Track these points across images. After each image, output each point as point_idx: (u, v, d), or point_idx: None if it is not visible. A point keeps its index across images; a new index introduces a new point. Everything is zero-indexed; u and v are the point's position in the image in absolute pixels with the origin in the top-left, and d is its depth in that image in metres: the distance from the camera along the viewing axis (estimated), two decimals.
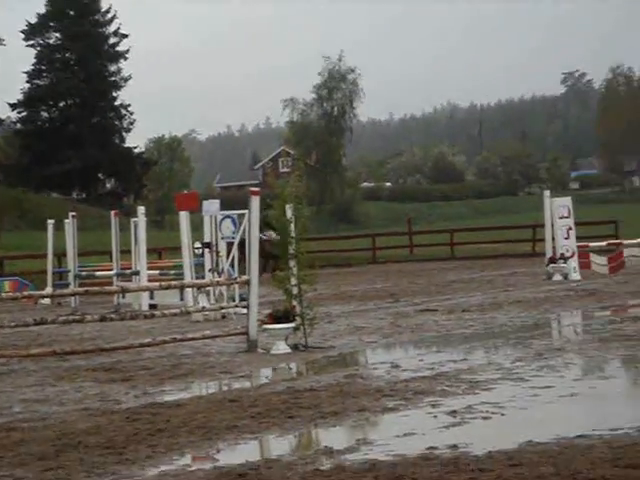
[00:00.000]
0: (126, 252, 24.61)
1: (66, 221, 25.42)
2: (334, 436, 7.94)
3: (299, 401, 9.46)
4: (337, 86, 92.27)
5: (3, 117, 75.58)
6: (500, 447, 6.97)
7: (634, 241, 28.58)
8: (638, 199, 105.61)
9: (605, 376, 10.37)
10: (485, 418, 8.29)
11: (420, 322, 16.51)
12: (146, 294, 21.34)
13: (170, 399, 10.08)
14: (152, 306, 21.09)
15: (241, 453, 7.44)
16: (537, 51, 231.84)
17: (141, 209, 22.63)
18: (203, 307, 17.06)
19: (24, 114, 75.65)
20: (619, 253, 27.10)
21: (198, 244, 20.68)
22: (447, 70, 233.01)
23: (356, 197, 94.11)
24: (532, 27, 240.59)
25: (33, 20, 76.35)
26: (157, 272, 24.14)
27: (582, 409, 8.76)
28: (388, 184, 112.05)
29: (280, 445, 7.77)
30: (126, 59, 77.31)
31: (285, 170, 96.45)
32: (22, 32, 76.07)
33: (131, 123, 78.07)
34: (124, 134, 77.98)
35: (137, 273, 22.59)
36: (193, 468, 7.07)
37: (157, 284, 17.41)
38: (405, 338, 14.56)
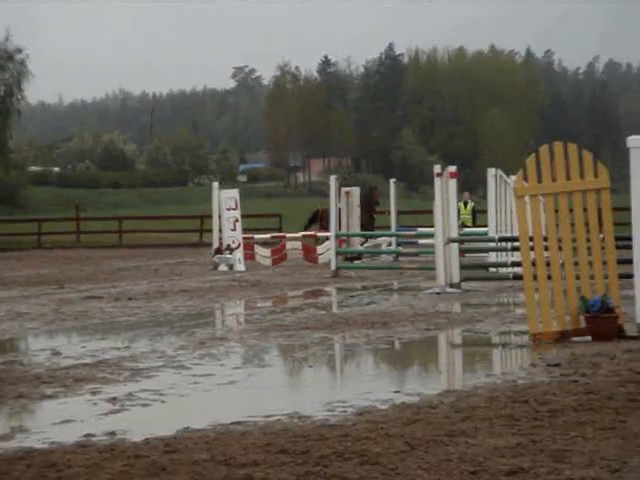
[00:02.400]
0: None
1: None
2: None
3: None
4: (4, 66, 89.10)
5: None
6: (158, 434, 7.04)
7: (296, 235, 29.60)
8: (301, 194, 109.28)
9: (263, 364, 10.68)
10: (145, 405, 8.34)
11: (85, 309, 16.33)
12: None
13: None
14: None
15: None
16: (209, 44, 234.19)
17: None
18: None
19: None
20: (282, 246, 27.97)
21: None
22: (120, 57, 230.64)
23: (22, 181, 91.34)
24: (201, 21, 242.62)
25: None
26: None
27: (240, 396, 8.99)
28: (57, 169, 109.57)
29: None
30: None
31: None
32: None
33: None
34: None
35: None
36: None
37: None
38: (68, 325, 14.36)
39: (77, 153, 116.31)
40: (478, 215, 31.40)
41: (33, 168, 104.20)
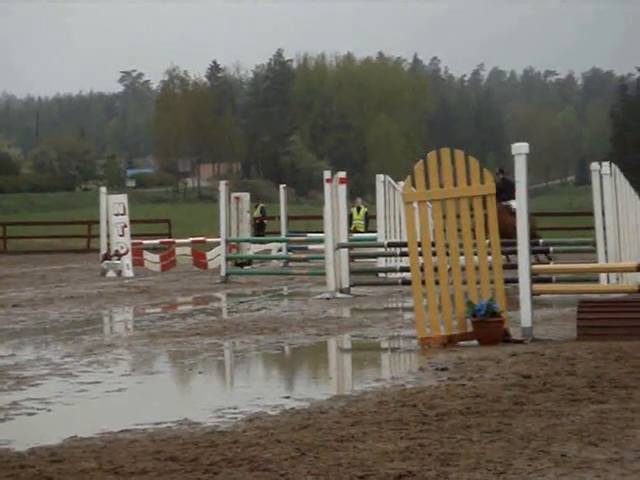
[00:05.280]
0: None
1: None
2: None
3: None
4: None
5: None
6: (44, 443, 6.91)
7: (185, 240, 29.46)
8: (191, 200, 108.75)
9: (152, 371, 10.59)
10: (30, 414, 8.18)
11: None
12: None
13: None
14: None
15: None
16: (92, 50, 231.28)
17: None
18: None
19: None
20: (171, 251, 27.77)
21: None
22: (2, 58, 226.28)
23: None
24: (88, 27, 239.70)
25: None
26: None
27: (128, 404, 8.89)
28: None
29: None
30: None
31: None
32: None
33: None
34: None
35: None
36: None
37: None
38: None
39: None
40: (370, 221, 31.67)
41: None
